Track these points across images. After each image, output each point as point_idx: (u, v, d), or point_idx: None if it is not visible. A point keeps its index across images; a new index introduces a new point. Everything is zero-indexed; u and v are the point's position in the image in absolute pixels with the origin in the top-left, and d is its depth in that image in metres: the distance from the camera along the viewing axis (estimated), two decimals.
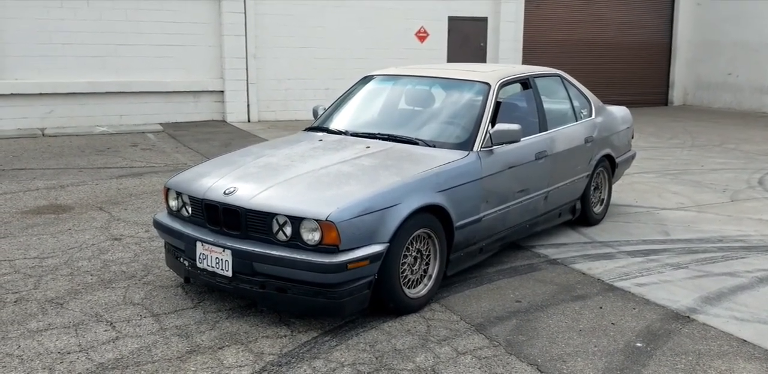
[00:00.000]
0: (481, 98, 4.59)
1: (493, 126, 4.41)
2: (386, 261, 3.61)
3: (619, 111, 6.27)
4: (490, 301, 4.11)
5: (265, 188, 3.72)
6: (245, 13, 12.14)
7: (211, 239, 3.71)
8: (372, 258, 3.51)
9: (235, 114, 12.43)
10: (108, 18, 11.34)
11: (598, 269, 4.73)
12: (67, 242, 5.18)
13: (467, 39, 14.63)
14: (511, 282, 4.45)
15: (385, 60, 13.08)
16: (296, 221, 3.49)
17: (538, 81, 5.18)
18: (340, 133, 4.73)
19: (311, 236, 3.47)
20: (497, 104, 4.60)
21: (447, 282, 4.34)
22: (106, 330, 3.62)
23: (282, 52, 12.70)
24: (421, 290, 3.95)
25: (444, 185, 3.97)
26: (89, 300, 4.04)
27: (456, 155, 4.21)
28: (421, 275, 3.98)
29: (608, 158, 5.89)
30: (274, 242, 3.57)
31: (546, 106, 5.17)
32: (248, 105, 12.54)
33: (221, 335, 3.57)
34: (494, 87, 4.64)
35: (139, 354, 3.36)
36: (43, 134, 10.64)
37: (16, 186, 7.07)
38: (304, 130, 5.04)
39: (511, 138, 4.35)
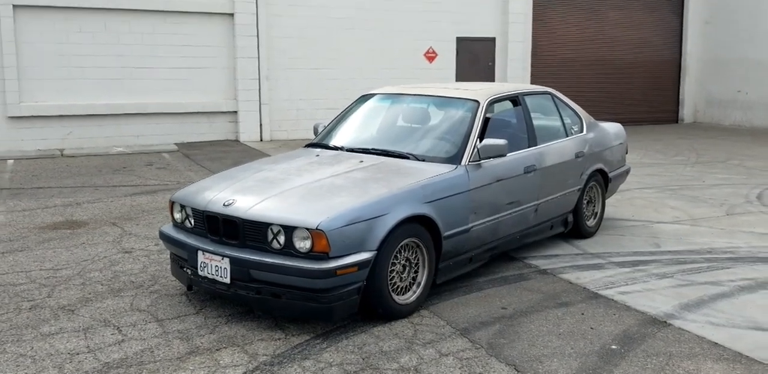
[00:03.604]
0: (470, 114, 4.83)
1: (481, 141, 4.64)
2: (375, 268, 3.83)
3: (612, 127, 6.47)
4: (476, 308, 4.31)
5: (262, 199, 3.98)
6: (258, 36, 12.55)
7: (211, 248, 3.96)
8: (360, 265, 3.74)
9: (247, 134, 12.77)
10: (125, 42, 11.78)
11: (585, 278, 4.91)
12: (81, 255, 5.46)
13: (476, 59, 14.93)
14: (499, 290, 4.65)
15: (395, 80, 13.37)
16: (289, 230, 3.73)
17: (528, 98, 5.42)
18: (336, 148, 4.99)
19: (303, 244, 3.71)
20: (486, 120, 4.84)
21: (437, 290, 4.54)
22: (113, 334, 3.87)
23: (294, 73, 13.07)
24: (410, 296, 4.16)
25: (431, 196, 4.19)
26: (99, 307, 4.29)
27: (444, 168, 4.45)
28: (410, 282, 4.19)
29: (601, 172, 6.08)
30: (269, 250, 3.81)
31: (536, 122, 5.39)
32: (261, 125, 12.89)
33: (219, 338, 3.81)
34: (483, 104, 4.89)
35: (143, 354, 3.60)
36: (62, 155, 11.03)
37: (35, 203, 7.40)
38: (304, 146, 5.31)
39: (497, 152, 4.58)
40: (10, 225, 6.43)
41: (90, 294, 4.55)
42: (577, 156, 5.65)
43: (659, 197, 7.91)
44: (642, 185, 8.65)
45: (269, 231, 3.79)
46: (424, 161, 4.58)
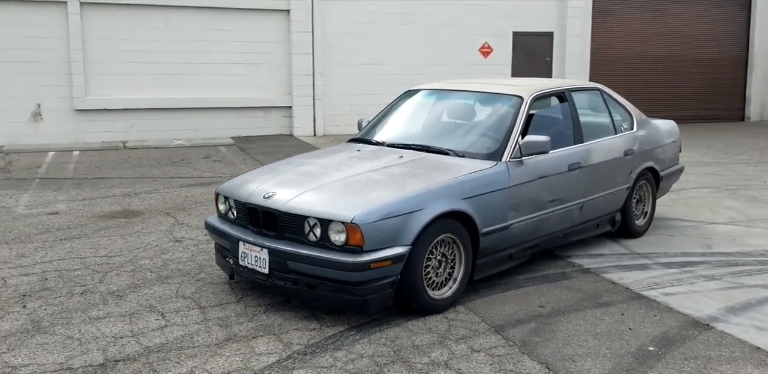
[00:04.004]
0: (513, 110, 4.80)
1: (523, 138, 4.60)
2: (409, 263, 3.86)
3: (665, 125, 6.31)
4: (514, 305, 4.28)
5: (300, 192, 4.05)
6: (312, 32, 12.70)
7: (251, 239, 4.07)
8: (394, 259, 3.77)
9: (301, 128, 12.95)
10: (186, 38, 12.10)
11: (629, 278, 4.81)
12: (134, 243, 5.67)
13: (532, 54, 14.72)
14: (539, 288, 4.61)
15: (448, 75, 13.29)
16: (325, 223, 3.80)
17: (575, 95, 5.34)
18: (378, 144, 5.04)
19: (338, 237, 3.77)
20: (529, 117, 4.80)
21: (475, 287, 4.54)
22: (156, 319, 4.02)
23: (347, 69, 13.18)
24: (446, 292, 4.17)
25: (469, 192, 4.19)
26: (146, 293, 4.46)
27: (484, 164, 4.43)
28: (446, 278, 4.20)
29: (651, 171, 5.94)
30: (305, 242, 3.89)
31: (583, 119, 5.31)
32: (314, 120, 13.05)
33: (257, 326, 3.91)
34: (527, 100, 4.84)
35: (183, 340, 3.73)
36: (125, 147, 11.43)
37: (96, 193, 7.71)
38: (347, 141, 5.37)
39: (539, 149, 4.53)
40: (71, 213, 6.72)
41: (139, 280, 4.73)
42: (626, 154, 5.53)
43: (716, 197, 7.67)
44: (698, 185, 8.40)
45: (306, 224, 3.87)
46: (464, 157, 4.57)
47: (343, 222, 3.73)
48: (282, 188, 4.16)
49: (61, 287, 4.60)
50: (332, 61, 13.06)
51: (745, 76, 17.09)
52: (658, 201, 7.15)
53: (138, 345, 3.67)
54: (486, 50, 14.22)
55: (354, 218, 3.71)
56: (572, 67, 14.90)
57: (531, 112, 4.85)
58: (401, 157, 4.58)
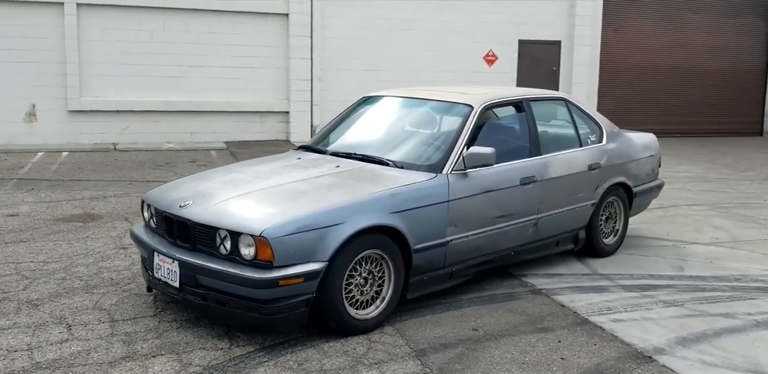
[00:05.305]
0: (460, 120, 4.52)
1: (468, 149, 4.32)
2: (326, 280, 3.60)
3: (641, 138, 5.97)
4: (446, 327, 4.00)
5: (216, 203, 3.82)
6: (311, 36, 12.53)
7: (164, 250, 3.84)
8: (307, 276, 3.52)
9: (298, 134, 12.77)
10: (182, 41, 12.01)
11: (581, 301, 4.50)
12: (78, 248, 5.49)
13: (539, 63, 14.39)
14: (479, 309, 4.31)
15: (451, 83, 13.07)
16: (235, 235, 3.56)
17: (535, 105, 5.04)
18: (321, 152, 4.79)
19: (247, 252, 3.53)
20: (478, 127, 4.52)
21: (413, 306, 4.26)
22: (60, 332, 3.81)
23: (347, 74, 12.97)
24: (372, 311, 3.90)
25: (400, 206, 3.92)
26: (63, 303, 4.26)
27: (421, 176, 4.16)
28: (374, 296, 3.93)
29: (623, 186, 5.60)
30: (216, 255, 3.65)
31: (543, 130, 5.01)
32: (312, 126, 12.85)
33: (162, 344, 3.68)
34: (476, 109, 4.56)
35: (77, 356, 3.51)
36: (115, 149, 11.34)
37: (65, 195, 7.57)
38: (295, 149, 5.14)
39: (483, 162, 4.25)
40: (30, 216, 6.58)
41: (64, 289, 4.53)
42: (591, 168, 5.21)
43: (706, 216, 7.28)
44: (692, 202, 8.01)
45: (217, 236, 3.64)
46: (402, 168, 4.30)
47: (252, 235, 3.49)
48: (200, 198, 3.94)
49: None
50: (332, 67, 12.87)
51: (765, 88, 16.54)
52: (641, 218, 6.81)
53: (29, 360, 3.46)
54: (491, 58, 13.93)
55: (263, 231, 3.46)
56: (580, 76, 14.53)
57: (482, 122, 4.57)
58: (338, 166, 4.33)
